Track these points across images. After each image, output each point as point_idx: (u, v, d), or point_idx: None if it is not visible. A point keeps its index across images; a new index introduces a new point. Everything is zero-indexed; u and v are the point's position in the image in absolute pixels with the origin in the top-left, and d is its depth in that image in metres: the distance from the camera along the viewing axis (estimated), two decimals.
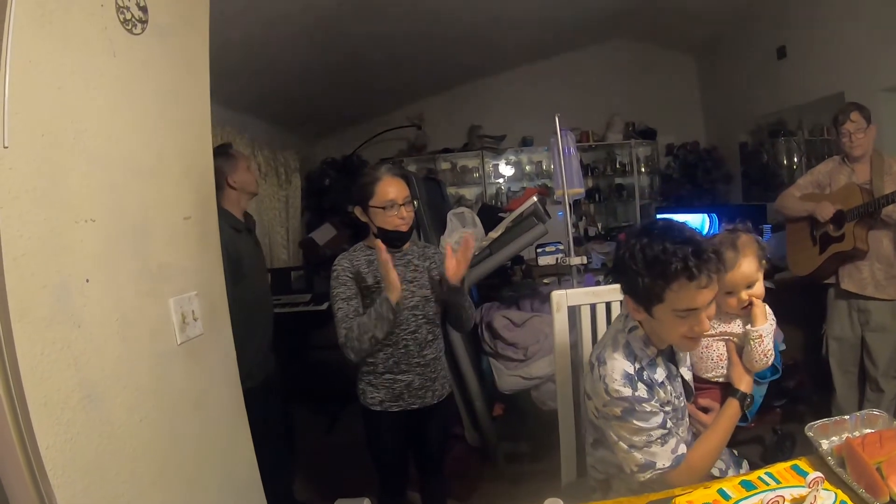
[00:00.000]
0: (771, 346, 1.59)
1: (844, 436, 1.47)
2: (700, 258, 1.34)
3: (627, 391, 1.44)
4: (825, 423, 1.50)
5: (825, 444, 1.45)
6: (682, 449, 1.49)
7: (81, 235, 1.25)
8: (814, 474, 1.27)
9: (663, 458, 1.45)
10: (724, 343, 1.66)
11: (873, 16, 3.66)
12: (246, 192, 2.62)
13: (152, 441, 1.42)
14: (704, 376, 1.69)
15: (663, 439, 1.46)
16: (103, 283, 1.30)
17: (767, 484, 1.36)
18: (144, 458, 1.38)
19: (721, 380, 1.67)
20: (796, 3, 4.51)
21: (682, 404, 1.59)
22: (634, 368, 1.47)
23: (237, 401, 1.86)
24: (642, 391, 1.45)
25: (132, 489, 1.33)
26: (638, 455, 1.46)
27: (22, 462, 1.10)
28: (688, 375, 1.65)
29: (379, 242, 2.04)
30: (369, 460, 2.30)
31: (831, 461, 1.38)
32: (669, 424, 1.48)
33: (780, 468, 1.42)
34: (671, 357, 1.60)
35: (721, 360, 1.66)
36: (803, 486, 1.29)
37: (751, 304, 1.62)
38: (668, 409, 1.50)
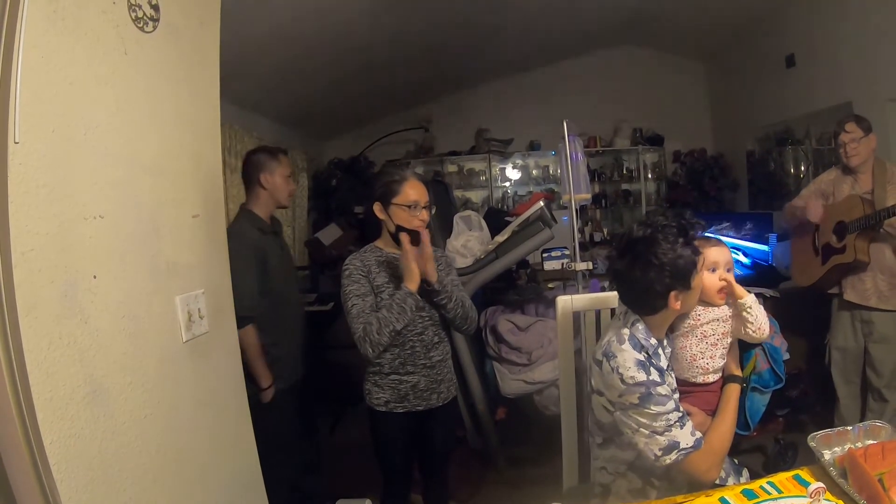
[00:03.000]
0: (764, 313, 1.64)
1: (847, 446, 1.47)
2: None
3: (642, 376, 1.49)
4: (828, 434, 1.51)
5: (827, 455, 1.46)
6: (699, 432, 1.53)
7: (90, 231, 1.25)
8: (815, 485, 1.28)
9: (685, 438, 1.49)
10: (696, 343, 1.68)
11: (882, 26, 3.65)
12: (273, 198, 2.56)
13: (156, 438, 1.42)
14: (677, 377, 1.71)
15: (681, 422, 1.50)
16: (111, 279, 1.30)
17: (769, 493, 1.36)
18: (148, 455, 1.39)
19: (694, 380, 1.69)
20: (806, 13, 4.51)
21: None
22: (644, 356, 1.53)
23: (241, 399, 1.87)
24: (655, 375, 1.51)
25: (135, 485, 1.33)
26: (661, 438, 1.49)
27: (26, 456, 1.11)
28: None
29: (404, 235, 2.05)
30: (373, 461, 2.30)
31: (833, 472, 1.38)
32: (683, 408, 1.53)
33: (781, 478, 1.42)
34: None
35: (693, 360, 1.68)
36: (805, 496, 1.30)
37: (728, 284, 1.68)
38: (676, 396, 1.55)
